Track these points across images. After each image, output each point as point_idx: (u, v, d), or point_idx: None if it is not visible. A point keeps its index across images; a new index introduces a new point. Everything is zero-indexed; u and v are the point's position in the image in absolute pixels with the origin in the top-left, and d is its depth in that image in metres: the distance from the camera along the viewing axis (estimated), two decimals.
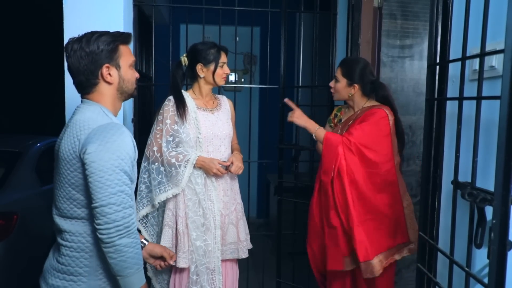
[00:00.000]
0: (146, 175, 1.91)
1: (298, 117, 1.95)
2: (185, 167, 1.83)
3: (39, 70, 5.36)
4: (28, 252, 2.56)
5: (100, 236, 1.12)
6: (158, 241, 1.91)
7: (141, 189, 1.93)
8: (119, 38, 1.25)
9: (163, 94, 1.99)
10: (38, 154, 2.94)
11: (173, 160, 1.83)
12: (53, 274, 1.23)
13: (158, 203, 1.88)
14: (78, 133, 1.17)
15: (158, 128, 1.89)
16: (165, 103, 1.91)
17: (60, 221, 1.22)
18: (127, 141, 1.17)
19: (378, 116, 1.86)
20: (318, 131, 1.90)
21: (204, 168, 1.86)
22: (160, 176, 1.86)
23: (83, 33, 1.24)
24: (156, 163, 1.87)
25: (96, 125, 1.17)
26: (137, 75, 1.34)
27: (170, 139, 1.87)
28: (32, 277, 2.61)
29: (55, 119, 2.96)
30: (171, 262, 1.52)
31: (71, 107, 2.09)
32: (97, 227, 1.12)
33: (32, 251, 2.60)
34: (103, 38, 1.22)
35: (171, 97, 1.92)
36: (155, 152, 1.87)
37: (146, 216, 1.96)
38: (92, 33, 1.23)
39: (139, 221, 1.95)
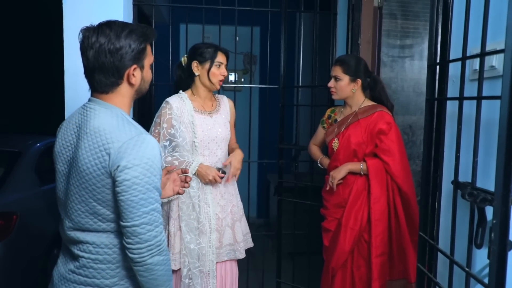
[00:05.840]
0: None
1: (337, 174, 1.94)
2: None
3: (39, 70, 5.35)
4: (28, 252, 2.56)
5: (130, 255, 1.07)
6: None
7: None
8: (148, 36, 1.16)
9: (162, 94, 1.98)
10: (38, 154, 2.94)
11: (168, 166, 1.82)
12: (74, 287, 1.15)
13: None
14: (106, 146, 1.06)
15: (156, 131, 1.89)
16: (162, 105, 1.90)
17: (78, 234, 1.14)
18: (157, 154, 1.10)
19: (394, 127, 1.91)
20: (363, 167, 1.91)
21: (200, 175, 1.85)
22: None
23: (98, 22, 1.13)
24: None
25: (126, 137, 1.07)
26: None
27: (167, 143, 1.86)
28: (32, 277, 2.61)
29: (55, 119, 2.96)
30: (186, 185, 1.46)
31: (71, 107, 2.09)
32: (128, 245, 1.07)
33: (32, 251, 2.60)
34: (134, 36, 1.12)
35: (168, 100, 1.90)
36: None
37: None
38: (121, 26, 1.11)
39: None
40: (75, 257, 1.16)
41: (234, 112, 2.08)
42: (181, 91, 1.95)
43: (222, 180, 1.88)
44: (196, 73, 1.91)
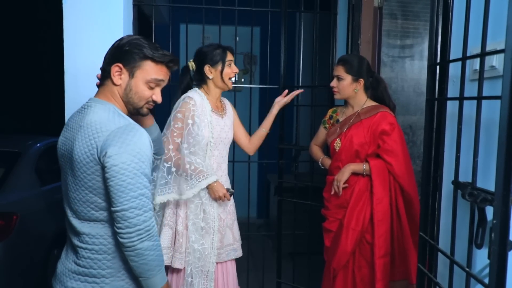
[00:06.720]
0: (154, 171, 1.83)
1: (341, 177, 1.93)
2: (194, 186, 1.78)
3: (39, 71, 5.35)
4: (28, 253, 2.56)
5: (121, 240, 1.11)
6: None
7: None
8: (153, 55, 1.20)
9: (163, 94, 1.98)
10: (38, 154, 2.94)
11: (187, 166, 1.78)
12: (73, 277, 1.20)
13: (156, 204, 1.83)
14: (95, 135, 1.13)
15: (176, 126, 1.80)
16: (185, 100, 1.84)
17: (78, 224, 1.20)
18: (146, 142, 1.15)
19: (397, 128, 1.92)
20: (365, 167, 1.91)
21: (212, 189, 1.84)
22: (169, 176, 1.78)
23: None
24: (169, 162, 1.77)
25: (114, 126, 1.14)
26: (155, 98, 1.26)
27: (192, 141, 1.81)
28: (32, 277, 2.61)
29: (54, 119, 2.96)
30: None
31: (71, 107, 2.09)
32: (118, 230, 1.11)
33: (32, 251, 2.60)
34: (139, 42, 1.20)
35: (191, 95, 1.86)
36: (170, 151, 1.77)
37: None
38: (143, 39, 1.22)
39: None
40: (74, 248, 1.22)
41: (235, 112, 2.11)
42: (196, 89, 1.94)
43: (230, 198, 1.93)
44: (210, 77, 1.91)
